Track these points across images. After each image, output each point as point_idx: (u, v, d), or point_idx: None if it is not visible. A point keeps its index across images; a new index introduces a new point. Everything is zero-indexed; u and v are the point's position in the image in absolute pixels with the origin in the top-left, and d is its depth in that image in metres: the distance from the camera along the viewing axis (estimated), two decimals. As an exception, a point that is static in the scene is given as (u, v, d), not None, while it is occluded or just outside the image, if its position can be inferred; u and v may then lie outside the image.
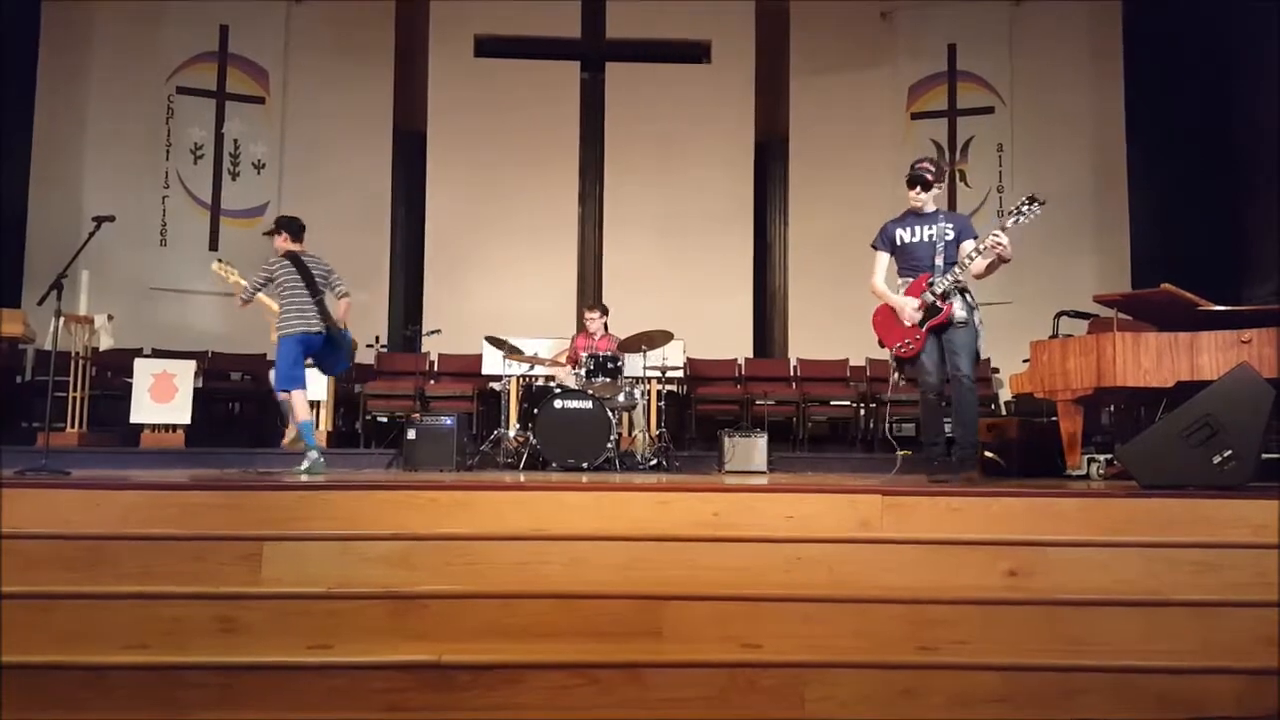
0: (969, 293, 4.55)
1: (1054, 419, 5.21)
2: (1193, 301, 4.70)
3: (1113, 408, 5.94)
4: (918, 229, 4.61)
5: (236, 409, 8.62)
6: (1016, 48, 9.69)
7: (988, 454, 5.46)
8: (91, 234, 4.95)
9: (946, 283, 4.45)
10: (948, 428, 4.70)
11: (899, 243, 4.65)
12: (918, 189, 4.60)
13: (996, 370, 8.35)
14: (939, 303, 4.46)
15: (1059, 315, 5.92)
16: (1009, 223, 4.44)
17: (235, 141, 9.74)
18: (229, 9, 9.70)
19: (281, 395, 5.34)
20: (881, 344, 4.70)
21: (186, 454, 6.57)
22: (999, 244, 4.32)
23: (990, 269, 4.45)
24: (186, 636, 3.04)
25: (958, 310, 4.45)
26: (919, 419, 5.01)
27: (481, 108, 9.95)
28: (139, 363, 7.17)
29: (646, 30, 10.11)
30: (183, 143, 9.55)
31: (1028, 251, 9.37)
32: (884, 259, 4.71)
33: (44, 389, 5.28)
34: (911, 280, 4.61)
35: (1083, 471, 5.11)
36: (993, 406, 8.15)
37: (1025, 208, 4.43)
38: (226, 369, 8.63)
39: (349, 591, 3.19)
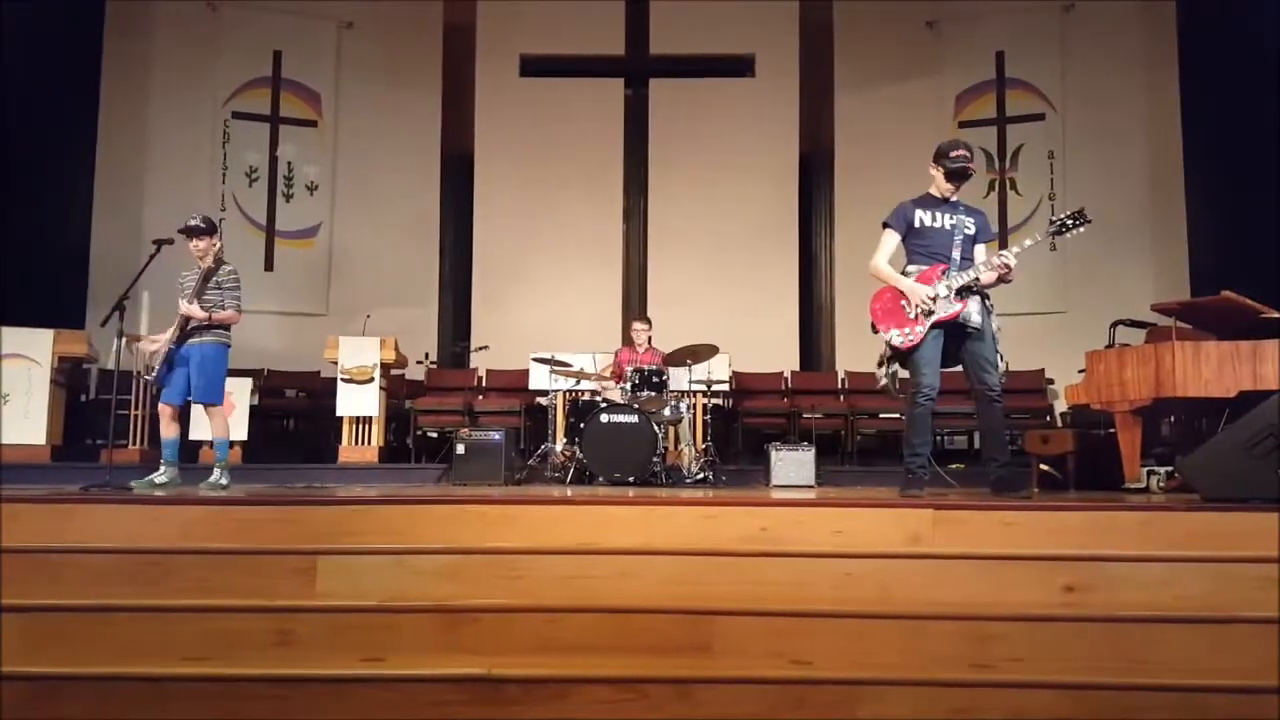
0: (987, 297, 4.28)
1: (1111, 431, 5.10)
2: (1255, 309, 4.58)
3: (1172, 419, 5.78)
4: (939, 215, 4.29)
5: (291, 425, 8.80)
6: (1068, 53, 9.51)
7: (1043, 467, 5.35)
8: (151, 257, 5.09)
9: (964, 279, 4.16)
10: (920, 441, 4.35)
11: (917, 224, 4.28)
12: (957, 183, 4.30)
13: (1051, 381, 8.18)
14: (953, 299, 4.16)
15: (1115, 324, 5.79)
16: (1048, 234, 4.28)
17: (289, 164, 9.97)
18: (282, 35, 9.95)
19: (215, 408, 5.10)
20: (875, 329, 4.31)
21: (243, 469, 6.71)
22: (1006, 266, 4.14)
23: (992, 284, 4.24)
24: (243, 649, 3.11)
25: (974, 315, 4.16)
26: (907, 426, 4.43)
27: (527, 128, 10.07)
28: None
29: (690, 45, 10.13)
30: (238, 166, 9.80)
31: (1082, 259, 9.21)
32: (894, 240, 4.33)
33: (107, 407, 5.43)
34: (923, 268, 4.27)
35: (1142, 485, 4.99)
36: (1048, 418, 7.98)
37: (1070, 222, 4.25)
38: (282, 386, 8.81)
39: (401, 605, 3.24)
